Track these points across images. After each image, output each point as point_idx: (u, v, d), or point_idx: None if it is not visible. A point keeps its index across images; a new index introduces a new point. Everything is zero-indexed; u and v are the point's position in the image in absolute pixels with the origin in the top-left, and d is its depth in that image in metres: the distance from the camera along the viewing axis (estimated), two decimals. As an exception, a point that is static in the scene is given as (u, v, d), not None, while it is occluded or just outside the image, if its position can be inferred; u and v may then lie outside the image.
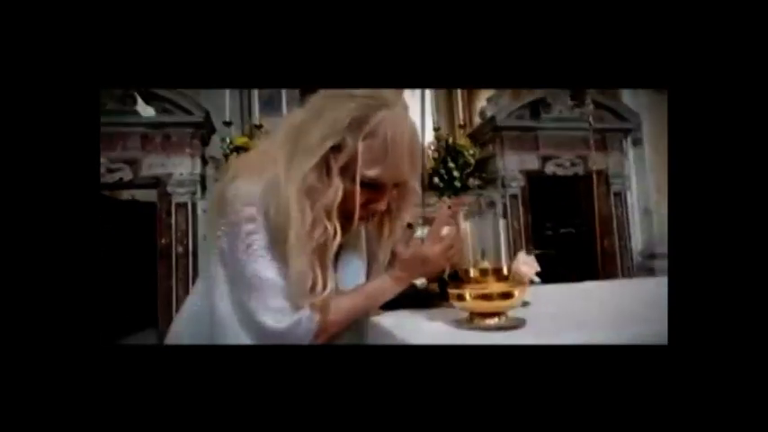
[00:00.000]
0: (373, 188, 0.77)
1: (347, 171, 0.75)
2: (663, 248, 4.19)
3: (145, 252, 3.70)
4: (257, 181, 0.77)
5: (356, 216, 0.77)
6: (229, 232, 0.76)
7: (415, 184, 0.85)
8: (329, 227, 0.76)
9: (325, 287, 0.75)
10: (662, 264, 4.19)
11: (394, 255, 0.82)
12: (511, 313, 0.65)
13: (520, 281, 0.79)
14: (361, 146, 0.74)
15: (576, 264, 4.11)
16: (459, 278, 0.68)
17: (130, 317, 4.11)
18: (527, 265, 0.71)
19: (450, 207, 0.78)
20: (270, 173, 0.77)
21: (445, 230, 0.78)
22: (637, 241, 4.29)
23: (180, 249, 3.45)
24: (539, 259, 0.74)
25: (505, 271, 0.64)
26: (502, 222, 0.78)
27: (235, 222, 0.75)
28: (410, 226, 0.83)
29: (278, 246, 0.75)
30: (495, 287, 0.62)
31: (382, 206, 0.80)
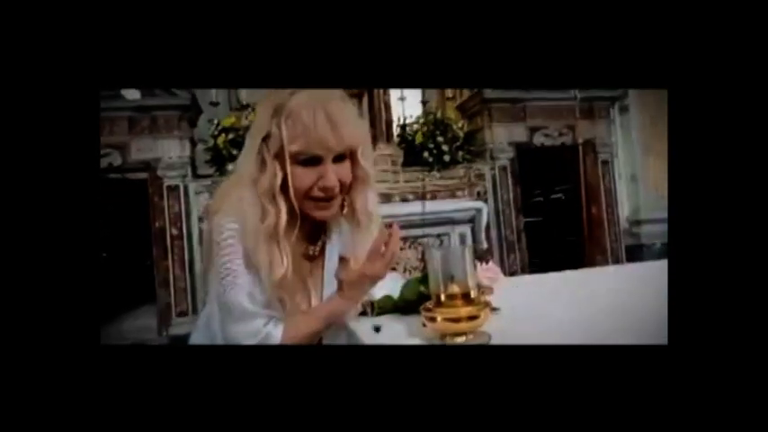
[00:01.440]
0: (312, 164, 0.84)
1: (280, 155, 0.83)
2: (648, 215, 4.28)
3: (139, 229, 3.74)
4: (229, 209, 0.86)
5: (291, 193, 0.83)
6: (214, 262, 0.85)
7: (364, 162, 0.89)
8: (272, 209, 0.83)
9: (282, 264, 0.84)
10: (648, 229, 4.30)
11: (340, 281, 0.87)
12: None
13: (486, 288, 0.86)
14: (283, 127, 0.81)
15: (565, 230, 4.21)
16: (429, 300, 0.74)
17: (129, 294, 4.21)
18: (488, 278, 0.77)
19: (389, 226, 0.84)
20: (236, 196, 0.86)
21: (390, 252, 0.83)
22: (623, 208, 4.37)
23: (174, 231, 3.50)
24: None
25: (473, 294, 0.70)
26: (468, 249, 0.84)
27: (215, 253, 0.85)
28: (342, 259, 0.90)
29: (251, 265, 0.83)
30: (464, 311, 0.68)
31: (330, 181, 0.84)
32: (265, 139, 0.84)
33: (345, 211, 0.92)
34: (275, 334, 0.83)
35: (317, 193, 0.85)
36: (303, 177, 0.84)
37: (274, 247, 0.84)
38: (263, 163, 0.84)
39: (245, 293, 0.83)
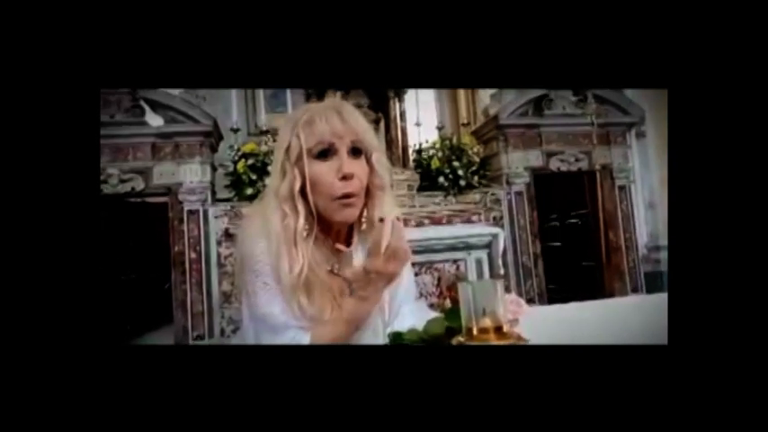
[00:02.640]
0: (328, 155, 0.88)
1: (299, 160, 0.88)
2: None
3: (158, 251, 3.80)
4: (256, 228, 0.90)
5: (309, 192, 0.87)
6: (245, 279, 0.89)
7: (379, 168, 0.92)
8: (291, 212, 0.88)
9: (298, 262, 0.86)
10: (667, 255, 4.23)
11: (347, 281, 0.90)
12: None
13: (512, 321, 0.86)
14: (301, 135, 0.87)
15: (582, 256, 4.17)
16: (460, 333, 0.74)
17: (148, 315, 4.26)
18: (511, 311, 0.79)
19: (381, 220, 0.85)
20: (262, 213, 0.91)
21: (384, 242, 0.83)
22: (642, 233, 4.32)
23: (193, 255, 3.55)
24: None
25: (505, 328, 0.70)
26: (500, 283, 0.85)
27: (248, 269, 0.88)
28: (339, 250, 0.94)
29: (280, 277, 0.87)
30: (496, 344, 0.69)
31: (348, 169, 0.87)
32: (286, 151, 0.90)
33: (364, 227, 0.95)
34: (303, 343, 0.85)
35: (339, 189, 0.88)
36: (323, 172, 0.87)
37: (293, 250, 0.87)
38: (284, 172, 0.90)
39: (275, 306, 0.86)
